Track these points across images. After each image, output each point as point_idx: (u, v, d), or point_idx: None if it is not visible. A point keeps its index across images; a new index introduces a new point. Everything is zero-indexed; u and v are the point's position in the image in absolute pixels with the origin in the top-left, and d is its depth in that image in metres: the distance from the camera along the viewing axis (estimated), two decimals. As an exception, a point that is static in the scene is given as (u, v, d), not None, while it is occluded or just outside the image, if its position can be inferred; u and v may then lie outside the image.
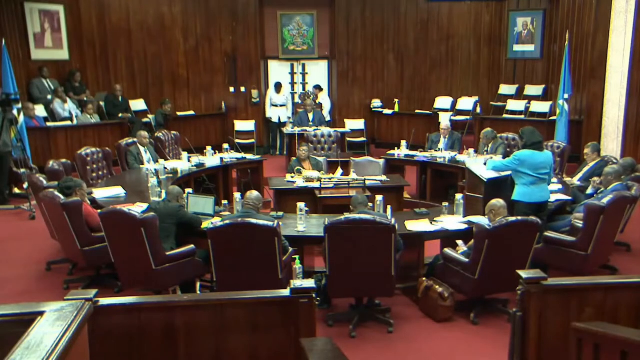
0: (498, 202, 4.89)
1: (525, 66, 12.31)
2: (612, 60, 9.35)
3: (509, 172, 5.48)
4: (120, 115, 10.67)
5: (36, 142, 9.25)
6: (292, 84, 12.59)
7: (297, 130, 9.98)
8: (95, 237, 5.18)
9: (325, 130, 9.85)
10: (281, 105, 11.90)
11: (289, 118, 11.62)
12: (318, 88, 11.99)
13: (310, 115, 10.45)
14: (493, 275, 4.58)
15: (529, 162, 5.30)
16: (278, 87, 11.91)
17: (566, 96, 9.44)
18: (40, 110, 9.79)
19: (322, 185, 6.57)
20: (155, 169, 7.01)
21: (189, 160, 7.86)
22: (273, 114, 11.93)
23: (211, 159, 8.14)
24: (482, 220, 4.97)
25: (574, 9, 10.28)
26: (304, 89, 12.53)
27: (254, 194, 4.96)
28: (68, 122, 9.94)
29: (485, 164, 5.89)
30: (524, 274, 3.24)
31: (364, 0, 12.22)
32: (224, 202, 6.09)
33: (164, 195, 5.76)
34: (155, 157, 8.00)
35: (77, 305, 2.49)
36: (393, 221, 4.55)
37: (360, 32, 12.32)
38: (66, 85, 10.61)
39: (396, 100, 12.18)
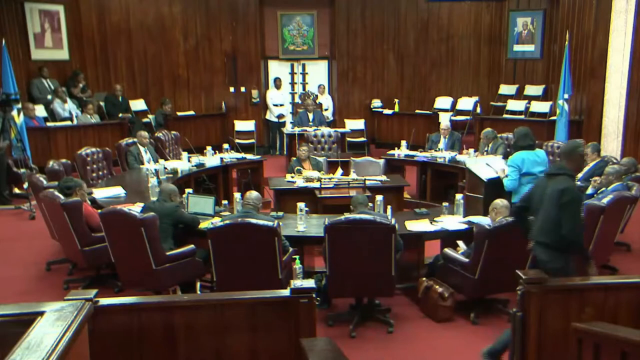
0: (501, 201, 4.88)
1: (525, 66, 12.29)
2: (612, 60, 9.35)
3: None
4: (120, 115, 10.66)
5: (36, 142, 9.25)
6: (292, 84, 12.57)
7: (297, 130, 9.97)
8: (95, 237, 5.18)
9: (325, 130, 9.84)
10: (280, 105, 11.90)
11: (291, 114, 11.58)
12: (322, 87, 12.04)
13: (311, 115, 10.45)
14: (493, 275, 4.58)
15: (525, 162, 5.29)
16: (277, 82, 11.90)
17: (566, 96, 9.43)
18: (40, 110, 9.79)
19: (322, 185, 6.56)
20: (155, 169, 7.01)
21: (189, 160, 7.86)
22: (273, 113, 11.90)
23: (211, 159, 8.14)
24: (482, 220, 4.97)
25: (574, 9, 10.27)
26: (304, 89, 12.52)
27: (253, 193, 4.96)
28: (68, 122, 9.94)
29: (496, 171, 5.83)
30: (524, 274, 3.24)
31: (364, 1, 12.20)
32: (224, 202, 6.09)
33: (159, 195, 5.75)
34: (155, 157, 8.00)
35: (77, 305, 2.49)
36: (393, 221, 4.56)
37: (360, 32, 12.30)
38: (68, 83, 10.60)
39: (396, 100, 12.17)
